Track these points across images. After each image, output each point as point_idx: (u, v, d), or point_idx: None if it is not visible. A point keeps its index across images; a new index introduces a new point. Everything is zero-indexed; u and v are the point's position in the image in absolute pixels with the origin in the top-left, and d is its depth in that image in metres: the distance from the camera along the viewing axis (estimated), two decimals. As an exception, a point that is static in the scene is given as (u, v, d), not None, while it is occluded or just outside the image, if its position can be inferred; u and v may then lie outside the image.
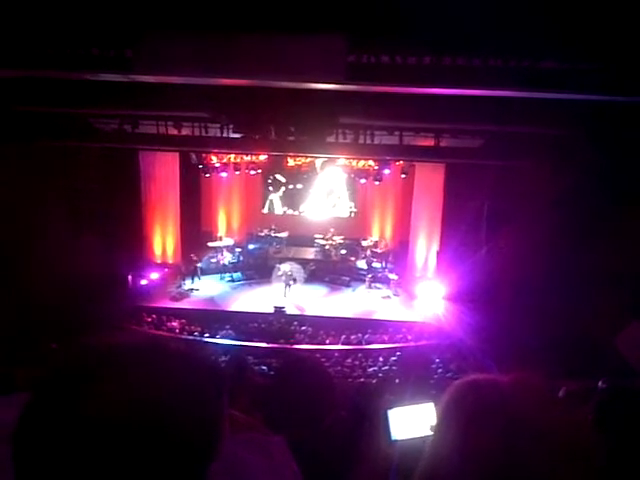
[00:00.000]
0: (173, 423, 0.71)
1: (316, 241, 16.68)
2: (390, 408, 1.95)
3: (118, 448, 0.67)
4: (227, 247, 16.37)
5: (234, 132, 9.96)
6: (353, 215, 17.86)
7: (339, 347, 11.61)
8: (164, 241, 15.67)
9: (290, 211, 18.02)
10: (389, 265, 15.92)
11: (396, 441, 1.94)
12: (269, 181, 17.61)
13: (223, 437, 0.80)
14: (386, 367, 10.26)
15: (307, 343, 11.83)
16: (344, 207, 17.76)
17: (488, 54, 6.47)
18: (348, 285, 15.42)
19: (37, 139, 10.46)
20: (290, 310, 13.46)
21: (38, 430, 0.68)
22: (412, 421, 1.94)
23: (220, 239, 16.77)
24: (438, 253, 14.74)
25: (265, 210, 18.14)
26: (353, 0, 5.79)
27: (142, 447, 0.68)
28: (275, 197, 17.94)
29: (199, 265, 15.06)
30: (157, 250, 15.62)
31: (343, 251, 16.54)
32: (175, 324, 12.54)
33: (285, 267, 14.66)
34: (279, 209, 18.09)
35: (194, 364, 0.81)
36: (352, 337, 12.07)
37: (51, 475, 0.67)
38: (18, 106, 9.06)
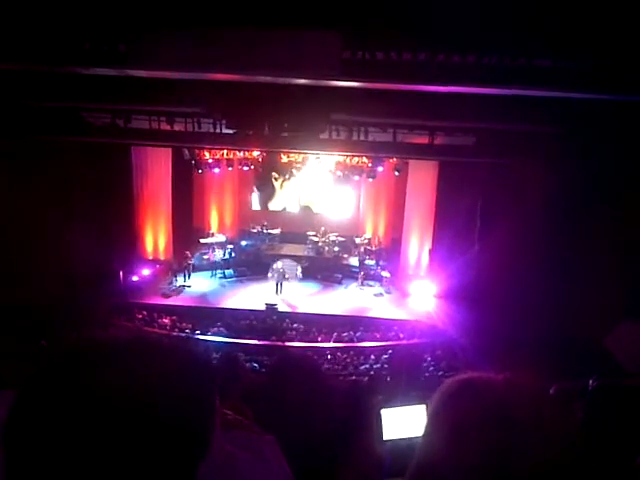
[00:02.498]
0: (164, 418, 0.70)
1: (309, 238, 16.65)
2: (383, 408, 1.94)
3: (108, 444, 0.66)
4: (219, 243, 16.31)
5: (227, 128, 9.91)
6: (345, 213, 17.79)
7: (331, 345, 11.61)
8: (156, 237, 15.59)
9: (282, 208, 17.92)
10: (382, 263, 15.93)
11: (388, 441, 1.93)
12: (262, 177, 17.48)
13: (214, 433, 0.79)
14: (378, 365, 10.27)
15: (299, 340, 11.82)
16: (332, 204, 17.68)
17: (483, 52, 6.47)
18: (340, 282, 15.42)
19: (28, 133, 10.35)
20: (282, 307, 13.44)
21: (28, 427, 0.67)
22: (404, 422, 1.94)
23: (212, 235, 16.72)
24: (430, 251, 14.76)
25: (256, 207, 17.99)
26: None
27: (132, 443, 0.67)
28: (267, 194, 17.82)
29: (192, 262, 15.00)
30: (149, 246, 15.54)
31: (336, 248, 16.54)
32: (166, 321, 12.49)
33: (278, 264, 14.66)
34: (271, 206, 17.97)
35: (185, 360, 0.80)
36: (344, 335, 12.08)
37: (41, 471, 0.66)
38: (9, 100, 8.96)
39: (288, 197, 17.75)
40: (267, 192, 17.63)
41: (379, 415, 1.96)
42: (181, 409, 0.73)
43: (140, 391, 0.70)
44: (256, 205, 17.97)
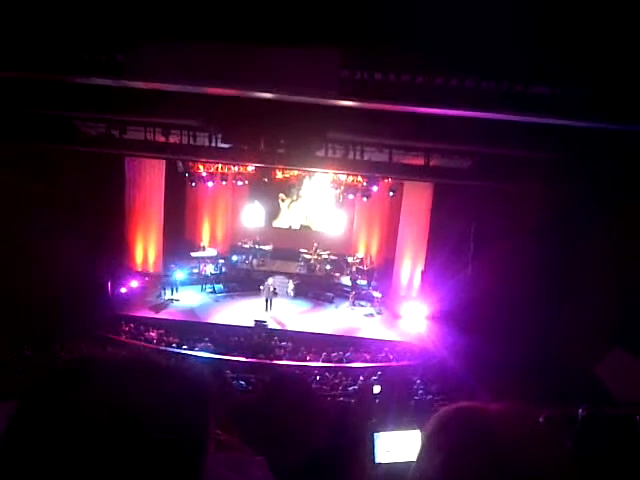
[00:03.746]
0: (158, 439, 0.69)
1: (301, 255, 16.61)
2: (377, 432, 1.90)
3: (103, 464, 0.66)
4: (210, 258, 16.22)
5: (223, 142, 9.92)
6: (339, 233, 17.77)
7: (320, 364, 11.49)
8: (146, 249, 15.49)
9: (287, 226, 17.88)
10: (373, 283, 15.90)
11: (380, 464, 1.89)
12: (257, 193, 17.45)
13: (207, 456, 0.78)
14: (368, 387, 10.14)
15: (287, 359, 11.69)
16: (330, 223, 17.71)
17: (481, 76, 6.53)
18: (331, 301, 15.35)
19: (21, 141, 10.30)
20: (271, 324, 13.32)
21: (25, 443, 0.68)
22: (397, 446, 1.90)
23: (203, 249, 16.63)
24: (423, 273, 14.76)
25: (258, 224, 17.89)
26: (348, 16, 5.82)
27: (126, 463, 0.67)
28: (272, 212, 17.78)
29: (172, 276, 14.83)
30: (138, 258, 15.43)
31: (328, 266, 16.50)
32: (153, 334, 12.32)
33: (269, 281, 14.58)
34: (275, 223, 17.92)
35: (183, 382, 0.79)
36: (333, 354, 11.96)
37: None
38: (3, 107, 8.91)
39: (293, 216, 17.80)
40: (272, 210, 17.64)
41: (372, 438, 1.91)
42: (176, 431, 0.72)
43: (136, 412, 0.69)
44: (259, 222, 17.80)
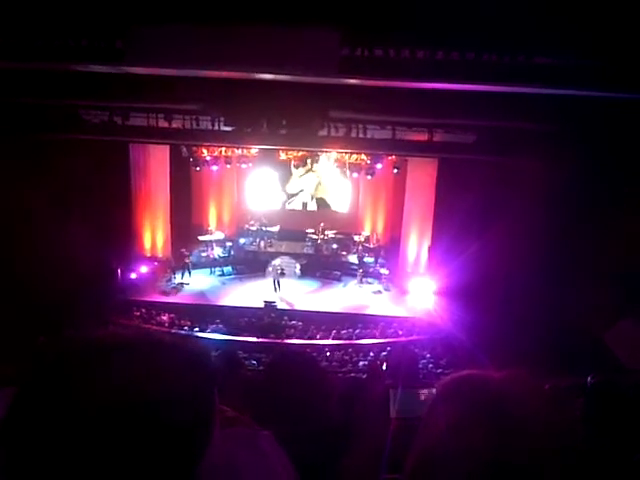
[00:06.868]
0: (163, 417, 0.70)
1: (308, 235, 16.63)
2: (393, 388, 1.96)
3: (107, 442, 0.66)
4: (218, 241, 16.29)
5: (225, 125, 9.89)
6: (346, 210, 17.71)
7: (329, 342, 11.61)
8: (154, 234, 15.55)
9: (282, 205, 17.81)
10: (380, 260, 15.92)
11: (393, 419, 1.94)
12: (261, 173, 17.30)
13: (214, 432, 0.79)
14: (377, 362, 10.27)
15: (297, 338, 11.83)
16: (337, 201, 17.65)
17: (482, 49, 6.45)
18: (339, 280, 15.42)
19: (25, 131, 10.33)
20: (281, 305, 13.44)
21: (26, 426, 0.67)
22: (412, 403, 1.95)
23: (211, 233, 16.67)
24: (430, 248, 14.75)
25: (254, 206, 17.88)
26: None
27: (131, 442, 0.67)
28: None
29: (189, 260, 14.96)
30: (147, 243, 15.50)
31: (334, 246, 16.52)
32: (164, 318, 12.49)
33: (276, 261, 14.67)
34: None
35: (185, 357, 0.80)
36: (343, 332, 12.09)
37: (40, 470, 0.66)
38: (5, 97, 8.92)
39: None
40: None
41: (387, 394, 1.97)
42: (181, 408, 0.72)
43: (140, 389, 0.70)
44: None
